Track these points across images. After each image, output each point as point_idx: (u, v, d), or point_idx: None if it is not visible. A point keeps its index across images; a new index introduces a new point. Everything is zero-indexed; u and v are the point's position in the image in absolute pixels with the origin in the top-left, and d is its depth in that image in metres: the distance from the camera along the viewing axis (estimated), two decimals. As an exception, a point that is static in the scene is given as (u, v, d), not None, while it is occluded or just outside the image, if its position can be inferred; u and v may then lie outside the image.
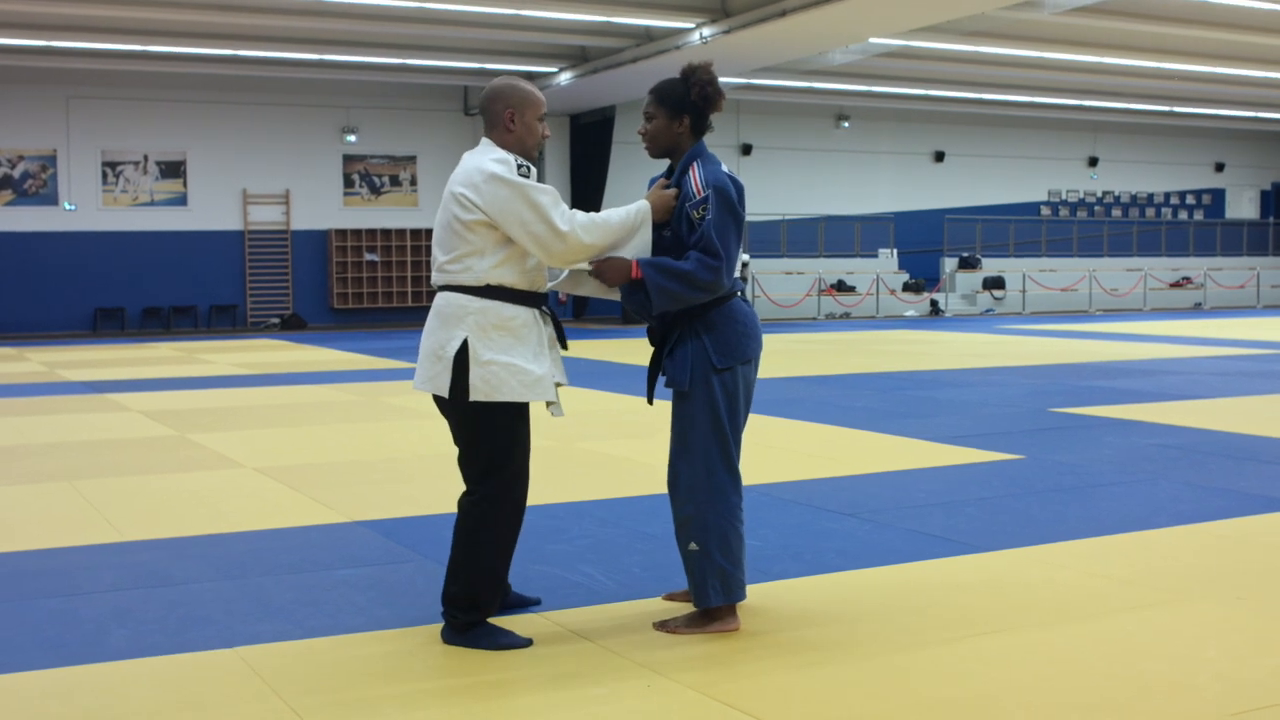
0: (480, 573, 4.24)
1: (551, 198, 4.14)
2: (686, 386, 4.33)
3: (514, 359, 4.17)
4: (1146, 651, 4.09)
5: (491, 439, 4.21)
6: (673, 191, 4.37)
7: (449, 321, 4.19)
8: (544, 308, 4.35)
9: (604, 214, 4.30)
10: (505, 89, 4.33)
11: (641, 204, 4.36)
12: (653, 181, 4.56)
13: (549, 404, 4.33)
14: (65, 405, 11.43)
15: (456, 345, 4.14)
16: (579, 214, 4.21)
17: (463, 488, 4.33)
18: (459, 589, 4.23)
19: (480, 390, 4.13)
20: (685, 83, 4.45)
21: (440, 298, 4.25)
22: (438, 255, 4.26)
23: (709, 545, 4.29)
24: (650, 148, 4.51)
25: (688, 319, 4.36)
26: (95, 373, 14.80)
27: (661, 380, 4.48)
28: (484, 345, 4.14)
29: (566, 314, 26.91)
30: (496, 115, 4.30)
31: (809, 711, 3.60)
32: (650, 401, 4.70)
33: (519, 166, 4.20)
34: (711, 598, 4.31)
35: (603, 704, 3.69)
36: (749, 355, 4.39)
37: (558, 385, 4.36)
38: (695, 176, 4.34)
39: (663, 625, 4.38)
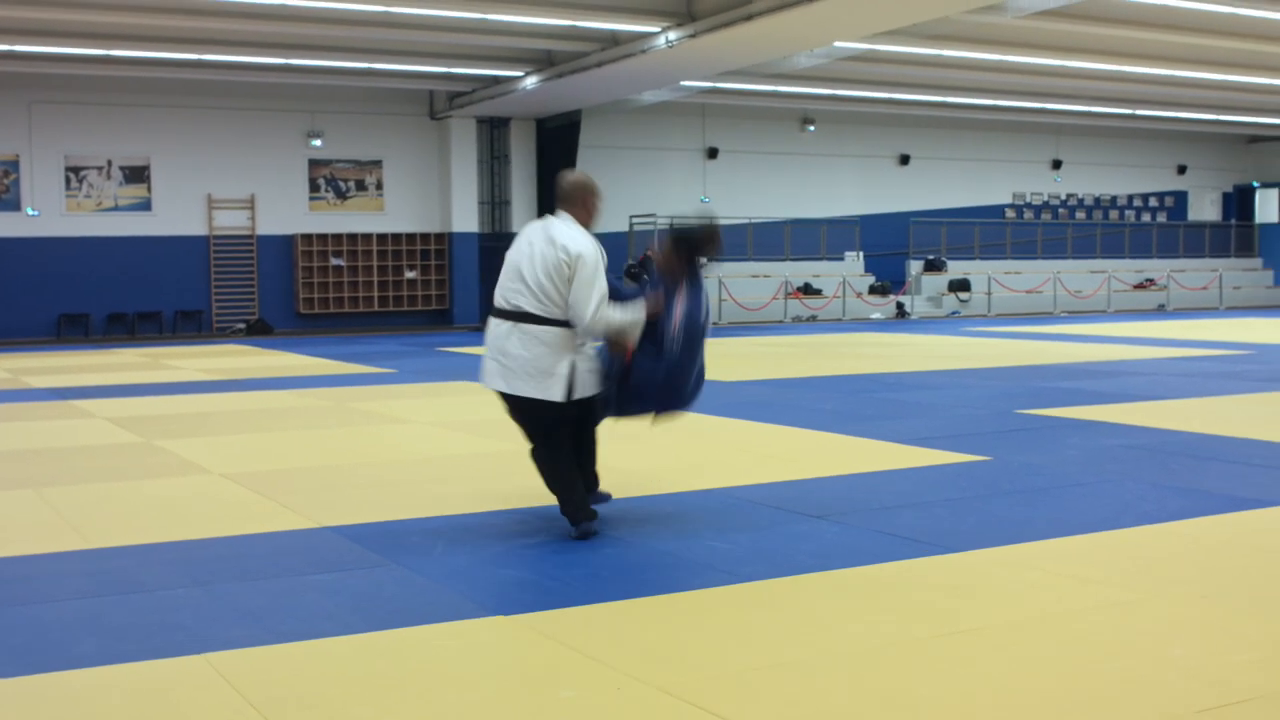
0: (561, 488, 5.95)
1: (600, 294, 5.66)
2: None
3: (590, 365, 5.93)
4: (1113, 649, 4.13)
5: (557, 415, 5.83)
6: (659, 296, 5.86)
7: (556, 348, 5.74)
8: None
9: (619, 316, 5.73)
10: (593, 184, 5.99)
11: (640, 309, 5.82)
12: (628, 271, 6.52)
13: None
14: (30, 412, 11.35)
15: (568, 366, 5.74)
16: (607, 311, 5.69)
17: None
18: (561, 503, 5.96)
19: (578, 390, 5.79)
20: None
21: (543, 329, 5.72)
22: (543, 288, 5.70)
23: None
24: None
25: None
26: (60, 379, 14.69)
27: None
28: (581, 361, 5.83)
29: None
30: (579, 199, 5.92)
31: (779, 712, 3.61)
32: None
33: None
34: None
35: (572, 706, 3.69)
36: None
37: None
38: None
39: None
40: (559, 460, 5.94)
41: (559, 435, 5.92)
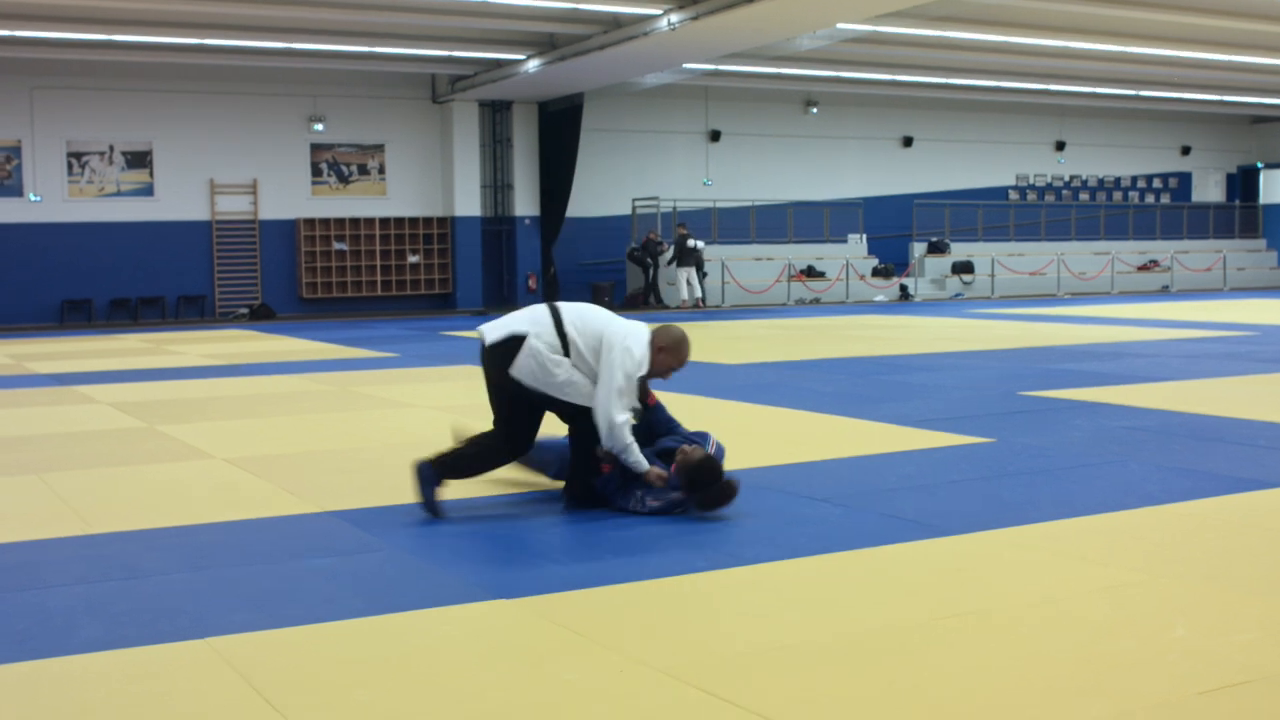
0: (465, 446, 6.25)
1: (626, 380, 5.83)
2: None
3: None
4: (1117, 631, 4.12)
5: (495, 380, 6.16)
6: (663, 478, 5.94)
7: (530, 327, 5.92)
8: None
9: (628, 447, 5.88)
10: (681, 348, 6.09)
11: (641, 463, 5.92)
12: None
13: None
14: (33, 398, 11.35)
15: (520, 333, 5.90)
16: (623, 426, 5.84)
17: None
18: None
19: (516, 365, 5.92)
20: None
21: (549, 320, 5.95)
22: (576, 326, 5.92)
23: None
24: None
25: None
26: (63, 365, 14.69)
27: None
28: (538, 346, 5.90)
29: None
30: (659, 339, 5.99)
31: (781, 694, 3.61)
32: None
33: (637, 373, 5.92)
34: None
35: (575, 688, 3.69)
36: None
37: None
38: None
39: None
40: (485, 435, 6.20)
41: (498, 406, 6.16)
